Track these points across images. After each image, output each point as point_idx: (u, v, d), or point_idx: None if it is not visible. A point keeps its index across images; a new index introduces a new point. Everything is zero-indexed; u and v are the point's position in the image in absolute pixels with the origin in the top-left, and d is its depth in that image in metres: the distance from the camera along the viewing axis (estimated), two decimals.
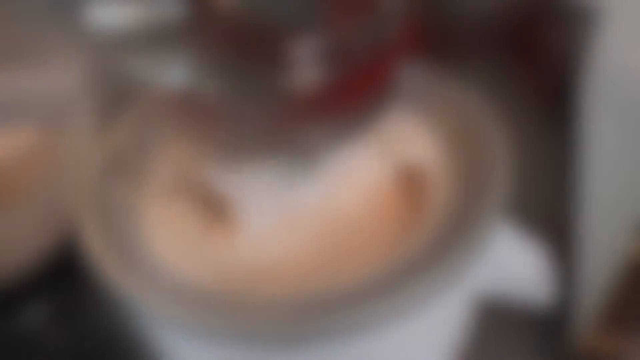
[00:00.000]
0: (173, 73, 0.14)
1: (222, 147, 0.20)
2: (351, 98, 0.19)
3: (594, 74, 0.58)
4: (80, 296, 0.38)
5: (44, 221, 0.35)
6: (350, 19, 0.17)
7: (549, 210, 0.43)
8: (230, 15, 0.13)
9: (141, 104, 0.29)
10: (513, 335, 0.35)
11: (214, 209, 0.29)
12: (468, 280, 0.24)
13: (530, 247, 0.27)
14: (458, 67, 0.61)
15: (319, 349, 0.19)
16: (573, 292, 0.37)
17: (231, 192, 0.28)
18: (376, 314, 0.19)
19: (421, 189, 0.29)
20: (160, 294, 0.21)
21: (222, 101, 0.18)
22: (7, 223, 0.34)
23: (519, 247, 0.27)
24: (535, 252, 0.28)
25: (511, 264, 0.26)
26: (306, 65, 0.17)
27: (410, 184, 0.31)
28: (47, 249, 0.37)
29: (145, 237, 0.25)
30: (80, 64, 0.40)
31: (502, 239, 0.26)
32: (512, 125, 0.52)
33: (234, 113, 0.18)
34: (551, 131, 0.50)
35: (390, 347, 0.22)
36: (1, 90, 0.47)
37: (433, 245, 0.22)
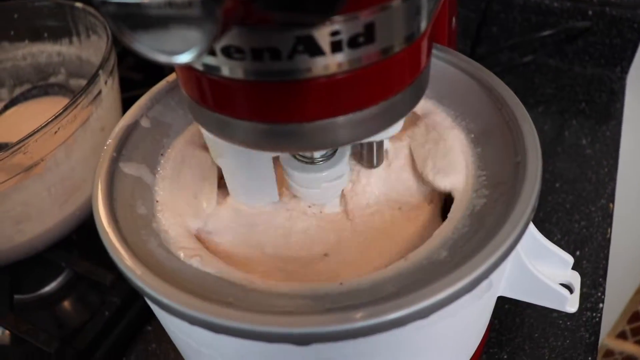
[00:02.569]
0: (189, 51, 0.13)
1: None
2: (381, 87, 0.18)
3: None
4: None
5: (62, 193, 0.36)
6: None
7: (578, 217, 0.41)
8: None
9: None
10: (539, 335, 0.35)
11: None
12: (494, 284, 0.23)
13: (559, 252, 0.26)
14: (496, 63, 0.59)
15: (342, 346, 0.19)
16: (599, 297, 0.36)
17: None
18: (402, 313, 0.18)
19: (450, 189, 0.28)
20: (172, 284, 0.20)
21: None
22: (29, 193, 0.34)
23: (547, 252, 0.26)
24: (563, 258, 0.26)
25: (539, 269, 0.25)
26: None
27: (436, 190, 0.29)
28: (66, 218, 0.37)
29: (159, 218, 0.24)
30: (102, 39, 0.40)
31: (531, 242, 0.25)
32: (548, 126, 0.50)
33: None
34: (589, 131, 0.48)
35: (414, 345, 0.21)
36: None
37: (460, 248, 0.21)
